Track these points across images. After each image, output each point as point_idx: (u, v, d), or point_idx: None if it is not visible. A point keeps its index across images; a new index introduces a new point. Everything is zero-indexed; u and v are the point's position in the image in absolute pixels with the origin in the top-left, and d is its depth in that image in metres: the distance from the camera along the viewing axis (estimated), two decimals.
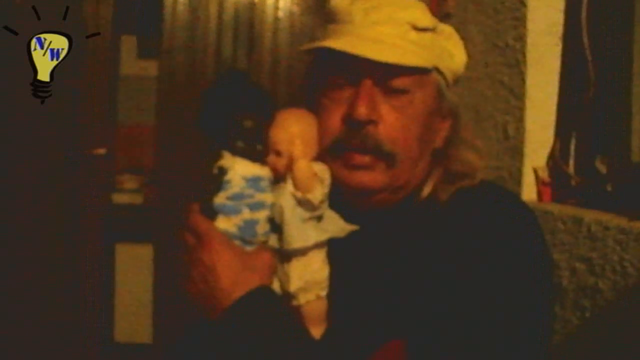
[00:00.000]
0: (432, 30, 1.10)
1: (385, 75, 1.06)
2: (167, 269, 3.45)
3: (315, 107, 1.11)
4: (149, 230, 3.71)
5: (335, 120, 1.08)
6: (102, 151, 3.62)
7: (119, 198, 3.97)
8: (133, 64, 4.31)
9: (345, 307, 1.07)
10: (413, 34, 1.07)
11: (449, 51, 1.12)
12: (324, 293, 1.07)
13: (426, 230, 1.07)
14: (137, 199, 4.02)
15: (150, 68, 4.12)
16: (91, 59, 3.53)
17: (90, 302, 3.63)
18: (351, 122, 1.05)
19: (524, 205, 1.13)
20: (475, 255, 1.00)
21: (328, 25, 1.12)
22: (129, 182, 4.11)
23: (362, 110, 1.04)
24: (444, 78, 1.12)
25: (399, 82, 1.06)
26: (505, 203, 1.11)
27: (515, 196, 1.21)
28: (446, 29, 1.14)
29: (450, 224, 1.05)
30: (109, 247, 3.85)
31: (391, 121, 1.06)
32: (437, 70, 1.10)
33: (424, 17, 1.09)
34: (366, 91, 1.05)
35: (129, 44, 4.30)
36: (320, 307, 1.07)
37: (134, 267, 3.91)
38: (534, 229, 1.08)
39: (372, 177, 1.08)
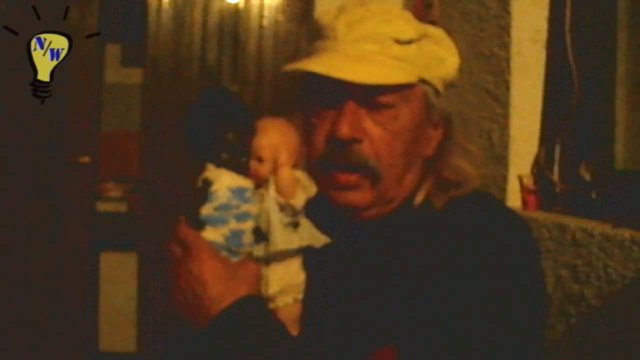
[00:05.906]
0: (418, 40, 1.09)
1: (368, 94, 1.05)
2: (151, 278, 3.43)
3: (305, 124, 1.11)
4: (134, 238, 3.69)
5: (320, 138, 1.08)
6: (86, 159, 3.60)
7: (103, 206, 3.94)
8: (117, 72, 4.30)
9: (337, 314, 1.07)
10: (396, 48, 1.07)
11: (438, 57, 1.12)
12: (300, 297, 1.10)
13: (418, 238, 1.06)
14: (122, 207, 3.99)
15: (135, 76, 4.11)
16: (75, 66, 3.51)
17: (75, 310, 3.60)
18: (334, 141, 1.06)
19: (516, 215, 1.13)
20: (467, 265, 1.00)
21: (314, 41, 1.12)
22: (114, 190, 4.08)
23: (344, 130, 1.04)
24: (433, 87, 1.11)
25: (382, 100, 1.06)
26: (497, 213, 1.11)
27: (507, 207, 1.21)
28: (436, 33, 1.14)
29: (442, 233, 1.05)
30: (93, 255, 3.82)
31: (376, 137, 1.06)
32: (424, 81, 1.10)
33: (408, 29, 1.08)
34: (349, 111, 1.06)
35: (113, 51, 4.28)
36: (297, 310, 1.09)
37: (118, 276, 3.89)
38: (526, 239, 1.08)
39: (359, 196, 1.08)
